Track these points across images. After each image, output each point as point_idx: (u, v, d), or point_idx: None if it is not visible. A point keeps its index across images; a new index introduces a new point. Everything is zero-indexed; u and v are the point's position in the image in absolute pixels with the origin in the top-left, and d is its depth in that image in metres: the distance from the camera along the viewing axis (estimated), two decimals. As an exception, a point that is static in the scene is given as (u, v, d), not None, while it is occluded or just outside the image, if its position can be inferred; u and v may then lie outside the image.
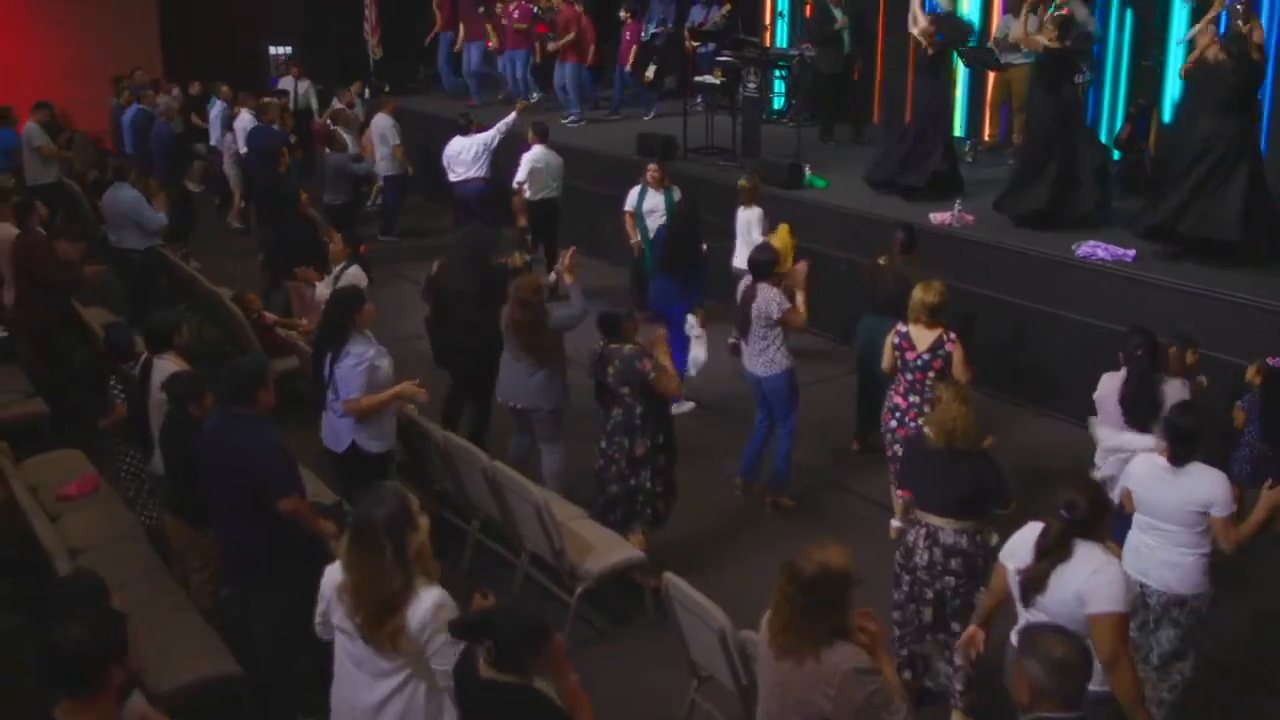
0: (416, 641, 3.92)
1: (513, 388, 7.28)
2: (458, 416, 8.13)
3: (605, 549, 6.30)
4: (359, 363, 6.31)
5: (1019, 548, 4.58)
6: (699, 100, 14.03)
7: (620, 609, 6.55)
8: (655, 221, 10.36)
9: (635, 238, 10.61)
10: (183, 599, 5.83)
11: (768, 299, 7.25)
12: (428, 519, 4.08)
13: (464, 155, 12.39)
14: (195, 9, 17.96)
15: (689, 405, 8.97)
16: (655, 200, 10.40)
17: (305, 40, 18.00)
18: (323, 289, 8.49)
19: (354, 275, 8.44)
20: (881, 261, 8.21)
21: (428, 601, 3.91)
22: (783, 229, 9.60)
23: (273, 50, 18.07)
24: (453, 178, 12.44)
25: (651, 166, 10.56)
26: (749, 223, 9.68)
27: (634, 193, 10.55)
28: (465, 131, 12.58)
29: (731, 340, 8.99)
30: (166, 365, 6.25)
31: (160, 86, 16.03)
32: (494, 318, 7.41)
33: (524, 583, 6.60)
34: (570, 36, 14.89)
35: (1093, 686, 3.85)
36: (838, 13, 13.33)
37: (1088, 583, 4.29)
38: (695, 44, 14.59)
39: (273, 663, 5.48)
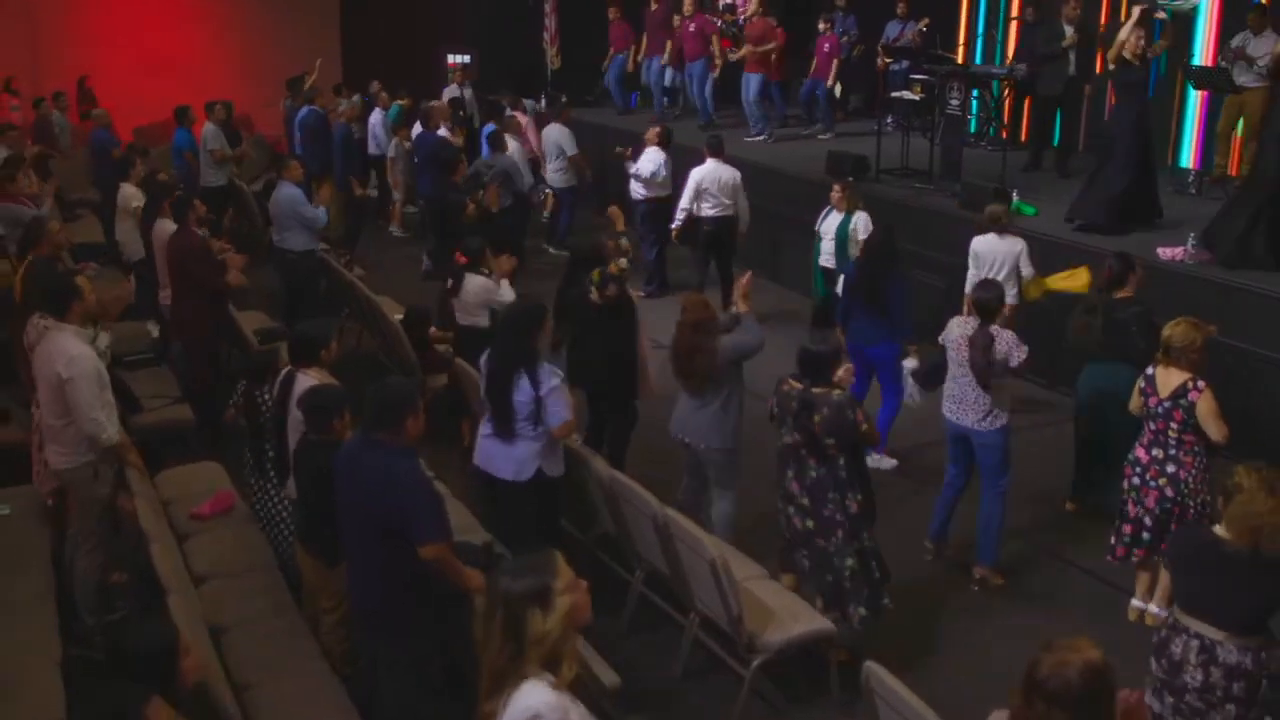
0: None
1: (681, 420, 6.54)
2: (602, 437, 7.41)
3: (788, 617, 5.41)
4: (559, 381, 5.84)
5: None
6: (889, 120, 13.10)
7: (800, 684, 5.67)
8: (826, 246, 9.52)
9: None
10: (309, 644, 5.16)
11: (1008, 343, 6.32)
12: (572, 598, 3.23)
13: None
14: (377, 17, 17.94)
15: (892, 462, 8.09)
16: (830, 223, 9.53)
17: (485, 49, 17.81)
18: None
19: (507, 292, 7.94)
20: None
21: (525, 702, 3.09)
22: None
23: (451, 59, 17.90)
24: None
25: (835, 187, 9.69)
26: (1014, 256, 8.35)
27: (822, 214, 9.76)
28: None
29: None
30: (308, 380, 5.65)
31: (340, 92, 15.92)
32: (624, 327, 6.96)
33: (692, 648, 5.76)
34: (771, 46, 14.09)
35: None
36: (1068, 29, 11.90)
37: None
38: (888, 60, 13.70)
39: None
